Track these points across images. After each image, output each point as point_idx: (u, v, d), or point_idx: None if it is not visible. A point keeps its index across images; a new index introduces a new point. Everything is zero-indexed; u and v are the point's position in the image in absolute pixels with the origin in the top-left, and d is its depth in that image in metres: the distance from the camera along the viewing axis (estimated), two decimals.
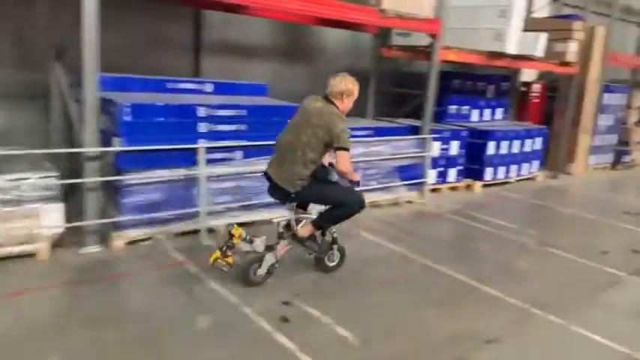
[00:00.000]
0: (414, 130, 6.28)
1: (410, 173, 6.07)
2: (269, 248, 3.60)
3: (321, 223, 3.72)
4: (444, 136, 6.60)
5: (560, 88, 8.65)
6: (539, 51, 6.70)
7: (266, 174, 3.61)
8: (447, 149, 6.67)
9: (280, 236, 3.65)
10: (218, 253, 3.45)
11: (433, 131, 6.37)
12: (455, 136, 6.73)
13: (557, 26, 7.61)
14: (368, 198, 5.53)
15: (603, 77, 8.71)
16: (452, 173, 6.81)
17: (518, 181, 7.62)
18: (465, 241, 5.08)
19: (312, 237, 3.78)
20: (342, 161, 3.37)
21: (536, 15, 8.57)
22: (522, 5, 6.43)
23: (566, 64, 7.69)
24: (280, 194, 3.57)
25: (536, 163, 7.93)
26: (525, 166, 7.72)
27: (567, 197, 7.60)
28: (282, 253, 3.66)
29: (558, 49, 7.54)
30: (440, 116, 7.30)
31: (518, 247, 4.94)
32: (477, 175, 7.08)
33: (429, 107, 6.14)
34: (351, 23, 5.81)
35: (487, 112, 7.89)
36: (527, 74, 9.14)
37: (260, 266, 3.57)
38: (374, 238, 4.86)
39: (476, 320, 3.44)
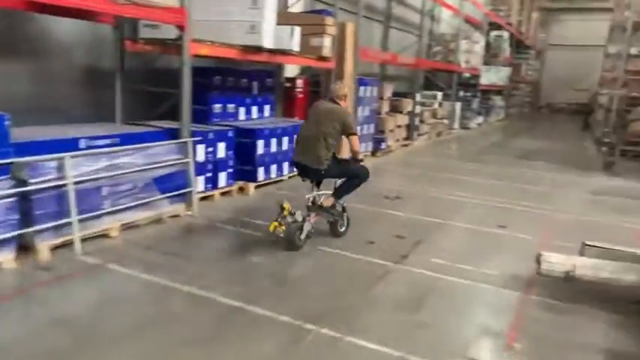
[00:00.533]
0: (173, 134, 5.54)
1: (172, 183, 5.32)
2: (304, 219, 4.65)
3: (340, 194, 4.92)
4: (208, 139, 6.02)
5: (322, 82, 8.91)
6: (295, 45, 6.61)
7: (295, 162, 4.83)
8: (213, 152, 6.11)
9: (310, 209, 4.79)
10: (276, 223, 4.50)
11: (195, 133, 5.74)
12: (221, 137, 6.21)
13: (310, 21, 7.70)
14: (120, 220, 4.65)
15: (357, 71, 9.26)
16: (222, 177, 6.29)
17: (291, 177, 7.53)
18: (237, 255, 4.58)
19: (333, 206, 4.92)
20: (356, 143, 4.75)
21: (291, 10, 8.61)
22: None
23: (324, 58, 7.86)
24: (312, 174, 4.72)
25: None
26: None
27: None
28: (313, 222, 4.77)
29: (314, 44, 7.64)
30: (204, 116, 6.71)
31: (291, 252, 4.65)
32: (250, 177, 6.71)
33: (187, 107, 5.46)
34: (78, 11, 4.75)
35: (254, 109, 7.60)
36: (291, 69, 9.19)
37: (301, 232, 4.63)
38: (126, 270, 3.99)
39: (241, 354, 2.94)
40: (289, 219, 4.57)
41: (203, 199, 5.98)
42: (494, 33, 21.49)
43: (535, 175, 9.26)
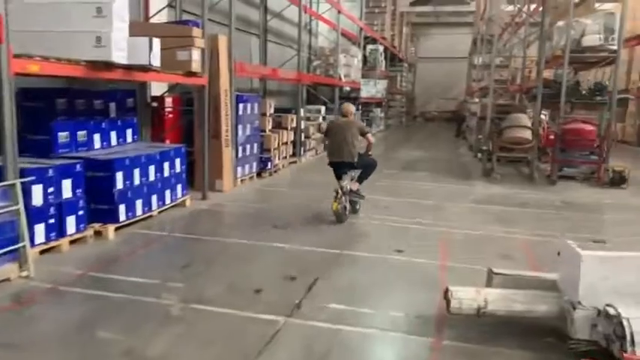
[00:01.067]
0: None
1: None
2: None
3: (361, 180, 6.81)
4: (48, 176, 4.84)
5: (196, 100, 7.99)
6: (156, 60, 5.66)
7: (332, 163, 6.73)
8: (56, 192, 4.93)
9: (345, 194, 6.43)
10: (336, 204, 6.31)
11: (27, 171, 4.55)
12: (65, 172, 5.05)
13: (175, 32, 6.78)
14: None
15: (234, 87, 8.49)
16: (71, 222, 5.10)
17: (162, 212, 6.51)
18: (82, 333, 3.51)
19: (358, 190, 6.77)
20: (371, 138, 6.84)
21: (153, 21, 7.61)
22: (124, 2, 5.22)
23: (193, 74, 6.97)
24: (347, 166, 6.59)
25: (180, 187, 6.98)
26: (168, 193, 6.65)
27: (217, 221, 6.93)
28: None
29: (181, 58, 6.73)
30: (46, 148, 5.48)
31: (157, 317, 3.71)
32: (108, 217, 5.58)
33: (10, 140, 4.26)
34: None
35: (113, 135, 6.46)
36: (158, 87, 8.15)
37: (346, 210, 6.44)
38: None
39: None
40: (342, 200, 6.38)
41: (45, 251, 4.78)
42: (370, 47, 22.01)
43: (422, 188, 9.17)
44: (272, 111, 10.60)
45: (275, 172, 10.19)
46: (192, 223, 6.43)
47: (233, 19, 8.38)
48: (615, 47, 9.79)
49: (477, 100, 17.25)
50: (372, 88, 21.05)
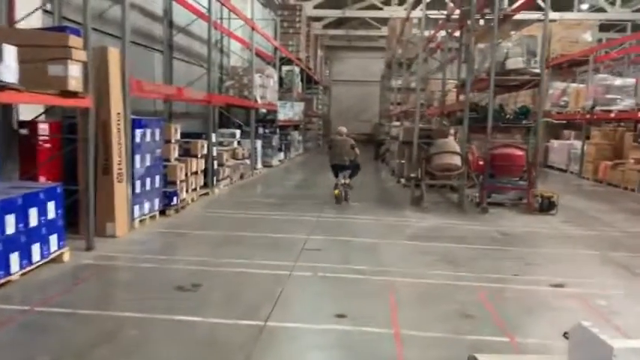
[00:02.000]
0: None
1: None
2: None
3: (352, 177, 10.15)
4: None
5: (80, 127, 6.46)
6: (10, 74, 4.21)
7: (333, 165, 10.01)
8: None
9: (342, 185, 9.81)
10: (338, 191, 9.62)
11: None
12: None
13: (45, 41, 5.32)
14: None
15: (131, 110, 7.08)
16: None
17: (28, 273, 4.94)
18: None
19: (349, 183, 9.98)
20: (357, 151, 10.11)
21: (20, 26, 6.05)
22: None
23: (72, 93, 5.50)
24: (342, 168, 9.85)
25: (55, 238, 5.42)
26: (37, 247, 5.10)
27: (104, 282, 5.38)
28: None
29: (54, 73, 5.27)
30: None
31: None
32: None
33: None
34: None
35: None
36: (29, 110, 6.52)
37: (343, 195, 9.77)
38: None
39: None
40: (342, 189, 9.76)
41: None
42: (285, 68, 21.20)
43: (352, 222, 8.25)
44: (178, 137, 9.22)
45: (182, 207, 8.78)
46: (68, 287, 4.91)
47: (127, 29, 7.01)
48: (538, 70, 9.64)
49: (397, 123, 16.92)
50: (290, 111, 20.16)
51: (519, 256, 6.46)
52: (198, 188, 10.10)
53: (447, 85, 13.41)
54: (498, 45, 9.74)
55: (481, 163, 9.30)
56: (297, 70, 21.64)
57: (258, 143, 14.79)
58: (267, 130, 16.71)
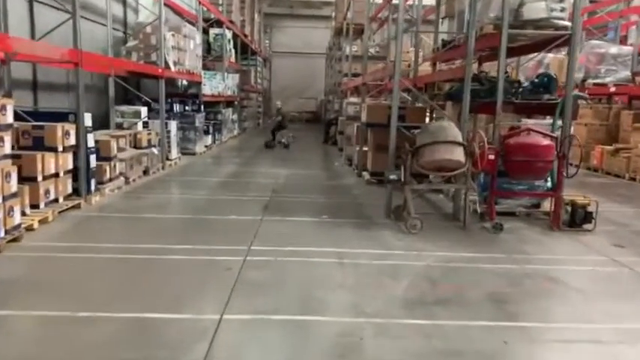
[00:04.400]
0: None
1: None
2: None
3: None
4: None
5: None
6: None
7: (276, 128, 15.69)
8: None
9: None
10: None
11: None
12: None
13: None
14: None
15: None
16: None
17: None
18: None
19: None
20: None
21: None
22: None
23: None
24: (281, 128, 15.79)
25: None
26: None
27: None
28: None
29: None
30: None
31: None
32: None
33: None
34: None
35: None
36: None
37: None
38: None
39: None
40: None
41: None
42: (214, 31, 17.34)
43: (299, 265, 4.94)
44: (9, 119, 5.50)
45: (15, 239, 5.13)
46: None
47: None
48: (567, 22, 6.66)
49: (354, 99, 13.67)
50: (219, 84, 16.43)
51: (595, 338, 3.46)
52: (61, 199, 6.46)
53: (421, 50, 10.24)
54: None
55: (491, 157, 6.26)
56: (228, 34, 17.82)
57: (173, 125, 11.09)
58: (187, 108, 12.98)
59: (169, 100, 11.82)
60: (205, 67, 17.23)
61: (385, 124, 8.20)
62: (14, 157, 5.93)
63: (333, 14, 24.15)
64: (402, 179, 6.35)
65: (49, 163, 6.20)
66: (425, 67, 10.56)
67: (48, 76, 8.91)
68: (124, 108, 10.76)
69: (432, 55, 9.79)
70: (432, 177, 7.06)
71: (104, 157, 7.90)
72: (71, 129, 6.62)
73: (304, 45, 33.49)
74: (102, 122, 10.45)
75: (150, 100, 10.86)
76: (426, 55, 10.89)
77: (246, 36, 21.65)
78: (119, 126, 10.50)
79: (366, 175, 9.84)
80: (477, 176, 6.93)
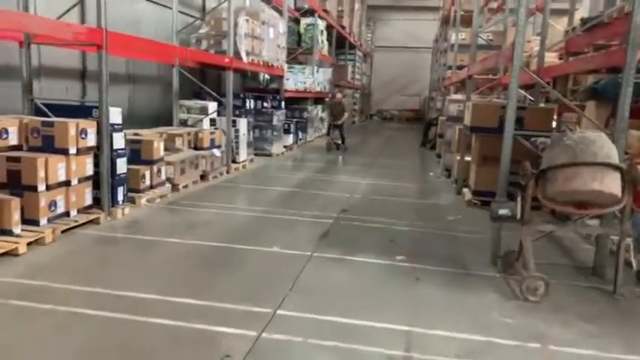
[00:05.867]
0: None
1: None
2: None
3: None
4: None
5: None
6: None
7: (330, 123, 13.68)
8: None
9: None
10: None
11: None
12: None
13: None
14: None
15: None
16: None
17: None
18: None
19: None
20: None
21: None
22: None
23: None
24: (335, 127, 13.34)
25: None
26: None
27: None
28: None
29: None
30: None
31: None
32: None
33: None
34: None
35: None
36: None
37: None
38: None
39: None
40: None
41: None
42: (305, 21, 15.92)
43: (352, 350, 3.14)
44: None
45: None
46: None
47: None
48: None
49: (457, 96, 11.40)
50: (307, 78, 14.97)
51: None
52: (74, 213, 5.27)
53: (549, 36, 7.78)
54: None
55: None
56: (321, 24, 16.29)
57: (242, 122, 9.74)
58: (265, 104, 11.62)
59: (242, 95, 10.52)
60: (295, 60, 15.94)
61: (495, 128, 6.10)
62: (12, 159, 4.80)
63: (442, 2, 21.71)
64: (519, 215, 4.25)
65: (55, 168, 5.01)
66: (549, 59, 8.10)
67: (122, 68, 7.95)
68: (191, 103, 9.63)
69: (565, 39, 7.33)
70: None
71: (145, 160, 6.70)
72: (89, 127, 5.39)
73: (409, 38, 31.21)
74: (167, 118, 9.42)
75: (216, 95, 9.61)
76: (552, 43, 8.36)
77: (343, 27, 20.04)
78: (183, 123, 9.40)
79: (466, 193, 7.71)
80: (634, 215, 4.58)
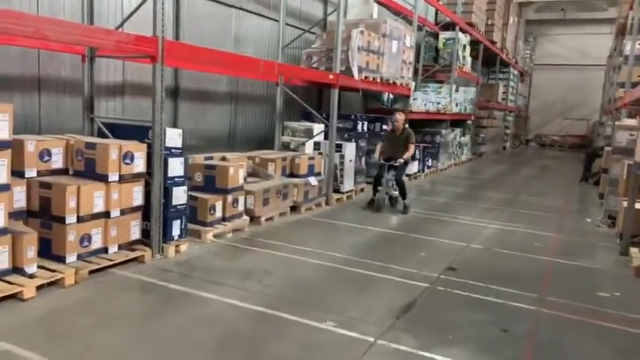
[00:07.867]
0: None
1: None
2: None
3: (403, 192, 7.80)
4: None
5: None
6: None
7: (381, 164, 7.70)
8: None
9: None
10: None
11: None
12: None
13: None
14: None
15: None
16: None
17: None
18: None
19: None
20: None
21: None
22: None
23: None
24: (390, 168, 7.62)
25: None
26: None
27: None
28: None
29: None
30: None
31: None
32: None
33: None
34: None
35: None
36: None
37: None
38: None
39: None
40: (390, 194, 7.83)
41: None
42: (444, 35, 14.29)
43: None
44: (6, 133, 3.73)
45: None
46: None
47: None
48: None
49: (630, 121, 8.77)
50: (442, 98, 13.29)
51: None
52: (114, 249, 4.58)
53: None
54: None
55: None
56: (463, 38, 14.49)
57: (349, 147, 8.54)
58: (384, 127, 10.30)
59: (353, 117, 9.36)
60: (433, 78, 14.39)
61: None
62: (44, 185, 4.25)
63: (618, 12, 18.20)
64: None
65: (90, 197, 4.35)
66: None
67: (199, 83, 7.46)
68: (295, 124, 8.76)
69: None
70: None
71: (219, 189, 5.88)
72: (137, 150, 4.68)
73: (577, 55, 27.33)
74: (269, 141, 8.69)
75: (319, 116, 8.58)
76: None
77: (493, 43, 17.86)
78: (286, 146, 8.56)
79: (636, 255, 5.48)
80: None
